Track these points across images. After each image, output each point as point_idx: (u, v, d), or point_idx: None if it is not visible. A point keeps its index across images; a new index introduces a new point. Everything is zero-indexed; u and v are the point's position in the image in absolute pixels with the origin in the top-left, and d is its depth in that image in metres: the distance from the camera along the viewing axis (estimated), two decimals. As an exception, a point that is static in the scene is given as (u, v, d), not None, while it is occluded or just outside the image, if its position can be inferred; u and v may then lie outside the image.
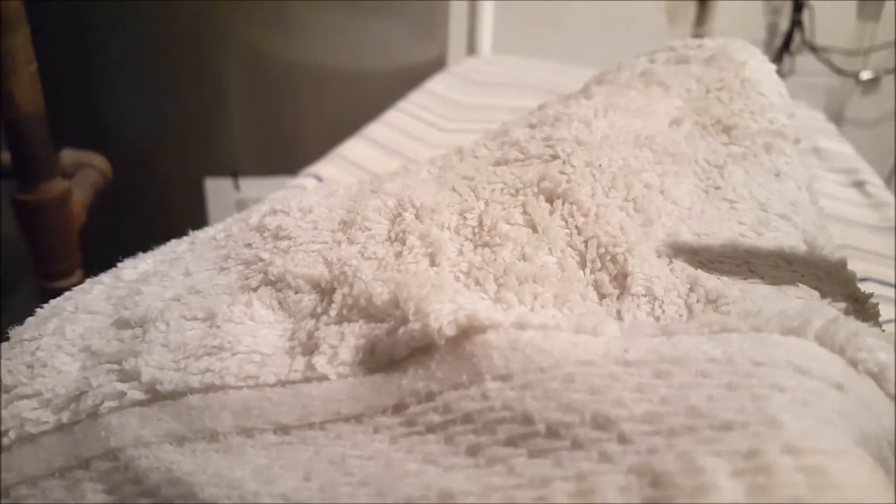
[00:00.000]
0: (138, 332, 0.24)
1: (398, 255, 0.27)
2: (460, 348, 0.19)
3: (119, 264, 0.30)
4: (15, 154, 0.52)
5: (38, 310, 0.26)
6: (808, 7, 1.25)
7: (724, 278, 0.25)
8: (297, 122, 0.96)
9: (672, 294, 0.24)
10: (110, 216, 0.74)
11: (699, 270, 0.25)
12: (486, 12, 1.05)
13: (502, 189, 0.31)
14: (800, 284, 0.25)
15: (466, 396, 0.18)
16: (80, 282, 0.29)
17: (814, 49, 1.26)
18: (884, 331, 0.21)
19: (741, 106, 0.37)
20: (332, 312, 0.23)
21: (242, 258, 0.28)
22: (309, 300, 0.25)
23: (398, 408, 0.19)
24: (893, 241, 0.49)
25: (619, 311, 0.24)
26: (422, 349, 0.20)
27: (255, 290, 0.26)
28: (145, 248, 0.31)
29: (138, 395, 0.21)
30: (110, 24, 0.86)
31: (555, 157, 0.33)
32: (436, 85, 0.82)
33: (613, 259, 0.26)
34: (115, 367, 0.22)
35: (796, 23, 1.26)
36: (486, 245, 0.27)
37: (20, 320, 0.26)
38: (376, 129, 0.65)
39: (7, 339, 0.25)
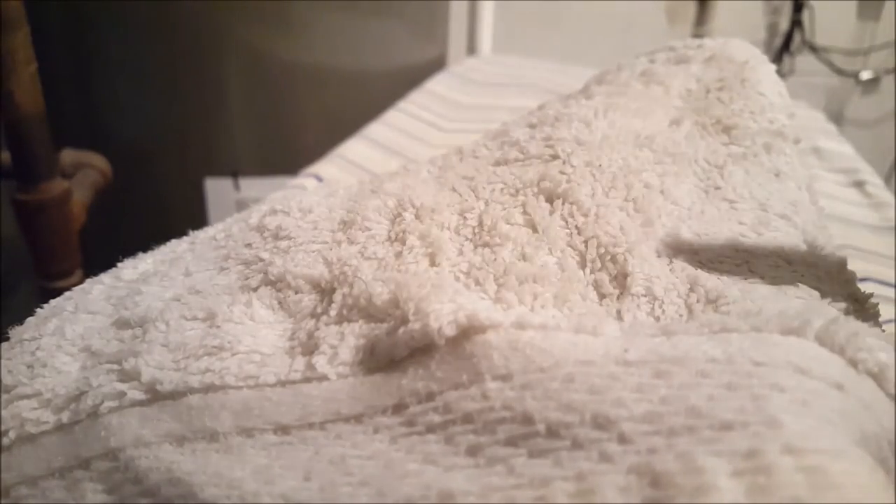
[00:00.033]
0: (138, 332, 0.24)
1: (398, 255, 0.27)
2: (460, 348, 0.19)
3: (119, 264, 0.30)
4: (15, 154, 0.52)
5: (38, 310, 0.26)
6: (808, 7, 1.25)
7: (724, 278, 0.25)
8: (297, 122, 0.96)
9: (672, 294, 0.24)
10: (110, 216, 0.74)
11: (699, 270, 0.25)
12: (486, 12, 1.05)
13: (502, 189, 0.31)
14: (800, 284, 0.25)
15: (466, 396, 0.18)
16: (80, 282, 0.29)
17: (814, 49, 1.26)
18: (884, 331, 0.21)
19: (741, 106, 0.37)
20: (332, 312, 0.23)
21: (242, 258, 0.28)
22: (309, 300, 0.25)
23: (398, 408, 0.19)
24: (893, 241, 0.49)
25: (619, 311, 0.24)
26: (422, 349, 0.20)
27: (255, 290, 0.26)
28: (145, 248, 0.31)
29: (138, 395, 0.21)
30: (110, 24, 0.86)
31: (555, 157, 0.33)
32: (436, 85, 0.82)
33: (613, 259, 0.26)
34: (115, 367, 0.22)
35: (796, 23, 1.26)
36: (486, 245, 0.27)
37: (20, 320, 0.26)
38: (376, 129, 0.65)
39: (7, 339, 0.25)
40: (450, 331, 0.19)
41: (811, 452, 0.15)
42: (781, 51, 1.27)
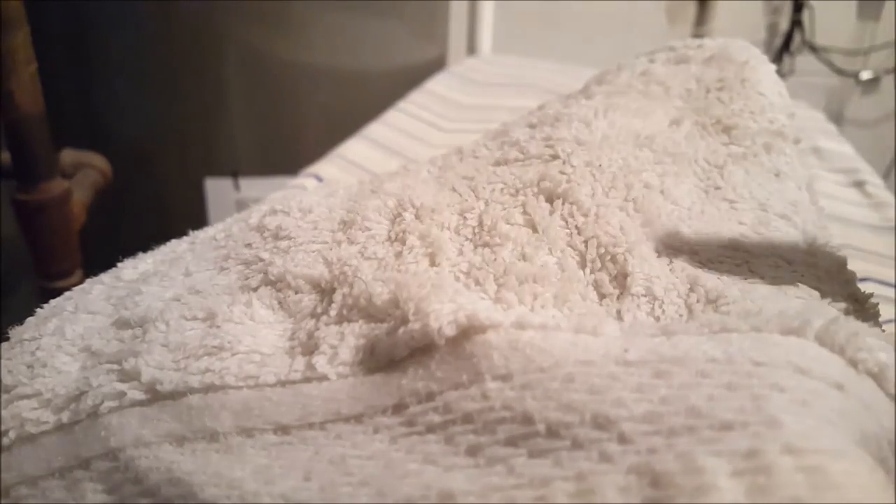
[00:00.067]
0: (138, 332, 0.24)
1: (398, 255, 0.27)
2: (460, 348, 0.19)
3: (119, 264, 0.30)
4: (15, 154, 0.52)
5: (38, 310, 0.26)
6: (808, 7, 1.25)
7: (724, 278, 0.25)
8: (297, 122, 0.96)
9: (672, 294, 0.24)
10: (110, 216, 0.74)
11: (699, 270, 0.25)
12: (486, 12, 1.05)
13: (502, 189, 0.31)
14: (800, 284, 0.25)
15: (466, 396, 0.18)
16: (80, 282, 0.29)
17: (814, 49, 1.26)
18: (884, 331, 0.21)
19: (741, 106, 0.37)
20: (332, 312, 0.23)
21: (242, 258, 0.28)
22: (309, 300, 0.25)
23: (398, 408, 0.19)
24: (893, 241, 0.49)
25: (619, 311, 0.24)
26: (422, 349, 0.20)
27: (255, 290, 0.26)
28: (145, 248, 0.31)
29: (138, 395, 0.21)
30: (110, 24, 0.86)
31: (555, 157, 0.33)
32: (436, 85, 0.82)
33: (613, 259, 0.26)
34: (115, 367, 0.22)
35: (796, 23, 1.26)
36: (486, 245, 0.27)
37: (20, 320, 0.26)
38: (376, 129, 0.65)
39: (7, 339, 0.25)
40: (450, 331, 0.19)
41: (811, 452, 0.15)
42: (781, 51, 1.27)
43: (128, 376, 0.22)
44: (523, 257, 0.26)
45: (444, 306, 0.20)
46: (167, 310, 0.24)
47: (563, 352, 0.18)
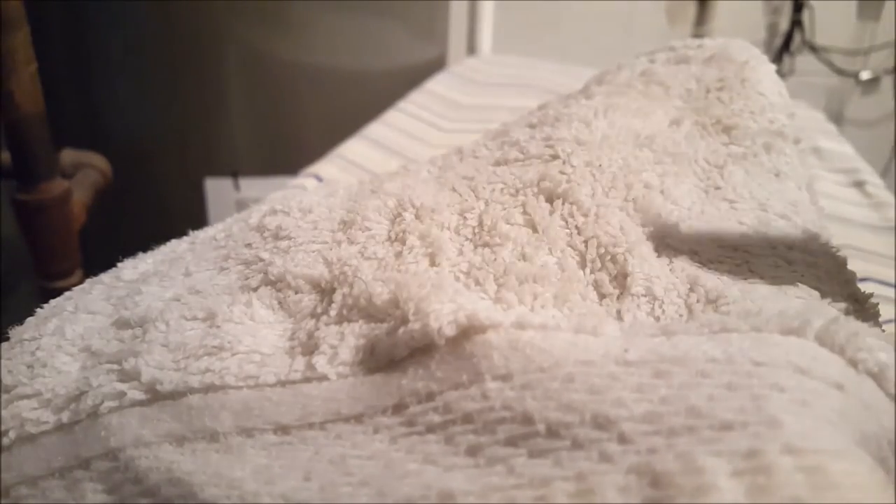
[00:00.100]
0: (138, 332, 0.24)
1: (398, 255, 0.27)
2: (460, 348, 0.19)
3: (119, 264, 0.30)
4: (15, 154, 0.52)
5: (38, 310, 0.26)
6: (808, 7, 1.25)
7: (724, 278, 0.25)
8: (297, 122, 0.97)
9: (672, 294, 0.24)
10: (110, 216, 0.74)
11: (699, 270, 0.25)
12: (486, 12, 1.05)
13: (502, 189, 0.31)
14: (800, 284, 0.25)
15: (466, 396, 0.18)
16: (80, 282, 0.29)
17: (814, 49, 1.26)
18: (884, 331, 0.21)
19: (741, 106, 0.37)
20: (332, 312, 0.23)
21: (242, 258, 0.28)
22: (309, 300, 0.25)
23: (398, 408, 0.19)
24: (893, 241, 0.49)
25: (619, 311, 0.24)
26: (422, 349, 0.20)
27: (255, 290, 0.26)
28: (145, 248, 0.31)
29: (138, 395, 0.21)
30: (110, 24, 0.86)
31: (555, 157, 0.33)
32: (436, 85, 0.82)
33: (613, 259, 0.26)
34: (115, 367, 0.22)
35: (796, 23, 1.26)
36: (486, 245, 0.27)
37: (20, 320, 0.26)
38: (376, 129, 0.65)
39: (7, 339, 0.25)
40: (450, 331, 0.19)
41: (811, 452, 0.15)
42: (781, 51, 1.27)
43: (128, 376, 0.22)
44: (523, 257, 0.26)
45: (444, 306, 0.20)
46: (167, 310, 0.24)
47: (563, 352, 0.18)
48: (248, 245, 0.29)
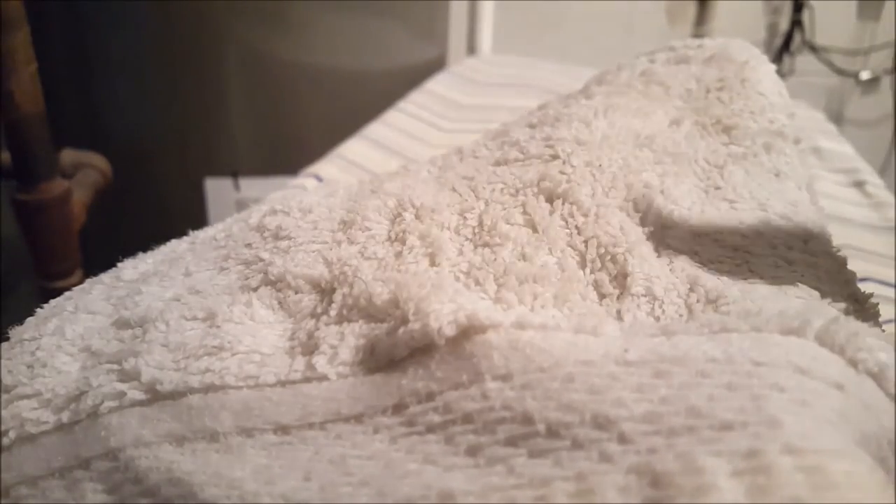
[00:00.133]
0: (138, 332, 0.24)
1: (398, 255, 0.27)
2: (460, 348, 0.19)
3: (119, 264, 0.30)
4: (15, 154, 0.52)
5: (38, 310, 0.26)
6: (808, 7, 1.25)
7: (724, 278, 0.25)
8: (297, 122, 0.96)
9: (672, 294, 0.24)
10: (110, 216, 0.74)
11: (699, 270, 0.25)
12: (486, 12, 1.05)
13: (502, 189, 0.31)
14: (800, 284, 0.25)
15: (466, 396, 0.18)
16: (80, 282, 0.29)
17: (814, 49, 1.27)
18: (884, 331, 0.21)
19: (741, 106, 0.37)
20: (332, 312, 0.23)
21: (242, 258, 0.28)
22: (309, 300, 0.25)
23: (398, 408, 0.19)
24: (893, 241, 0.49)
25: (619, 311, 0.24)
26: (422, 349, 0.20)
27: (255, 290, 0.26)
28: (145, 248, 0.31)
29: (138, 395, 0.21)
30: (110, 24, 0.86)
31: (555, 157, 0.33)
32: (436, 85, 0.82)
33: (613, 259, 0.26)
34: (115, 367, 0.22)
35: (796, 23, 1.26)
36: (486, 245, 0.27)
37: (20, 320, 0.26)
38: (376, 129, 0.65)
39: (7, 339, 0.25)
40: (450, 331, 0.19)
41: (811, 452, 0.15)
42: (781, 51, 1.27)
43: (128, 376, 0.22)
44: (523, 257, 0.26)
45: (444, 306, 0.20)
46: (167, 310, 0.24)
47: (563, 352, 0.18)
48: (248, 245, 0.29)
